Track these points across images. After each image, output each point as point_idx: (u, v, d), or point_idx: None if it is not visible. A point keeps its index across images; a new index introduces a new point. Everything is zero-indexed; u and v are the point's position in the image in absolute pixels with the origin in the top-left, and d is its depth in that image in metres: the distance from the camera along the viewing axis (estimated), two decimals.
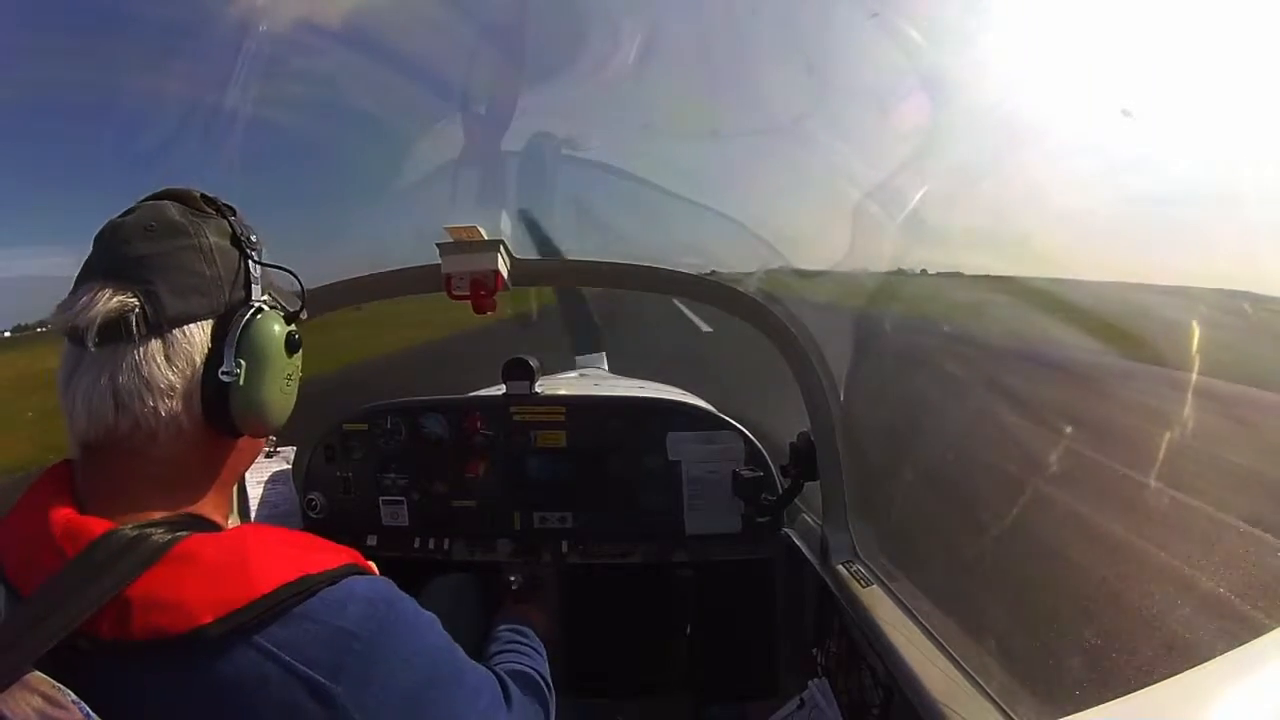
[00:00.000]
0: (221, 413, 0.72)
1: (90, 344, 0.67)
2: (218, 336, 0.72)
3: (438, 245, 1.39)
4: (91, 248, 0.72)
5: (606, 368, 3.68)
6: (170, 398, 0.69)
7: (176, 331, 0.69)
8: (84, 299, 0.68)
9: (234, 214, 0.77)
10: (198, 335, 0.71)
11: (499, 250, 1.39)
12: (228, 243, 0.75)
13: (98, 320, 0.66)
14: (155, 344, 0.68)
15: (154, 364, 0.68)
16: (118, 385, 0.67)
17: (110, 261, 0.69)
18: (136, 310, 0.67)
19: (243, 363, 0.72)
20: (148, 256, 0.69)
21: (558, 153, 1.66)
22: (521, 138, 1.63)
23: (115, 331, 0.67)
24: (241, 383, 0.72)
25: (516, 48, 1.77)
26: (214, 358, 0.71)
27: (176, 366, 0.69)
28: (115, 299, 0.67)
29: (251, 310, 0.74)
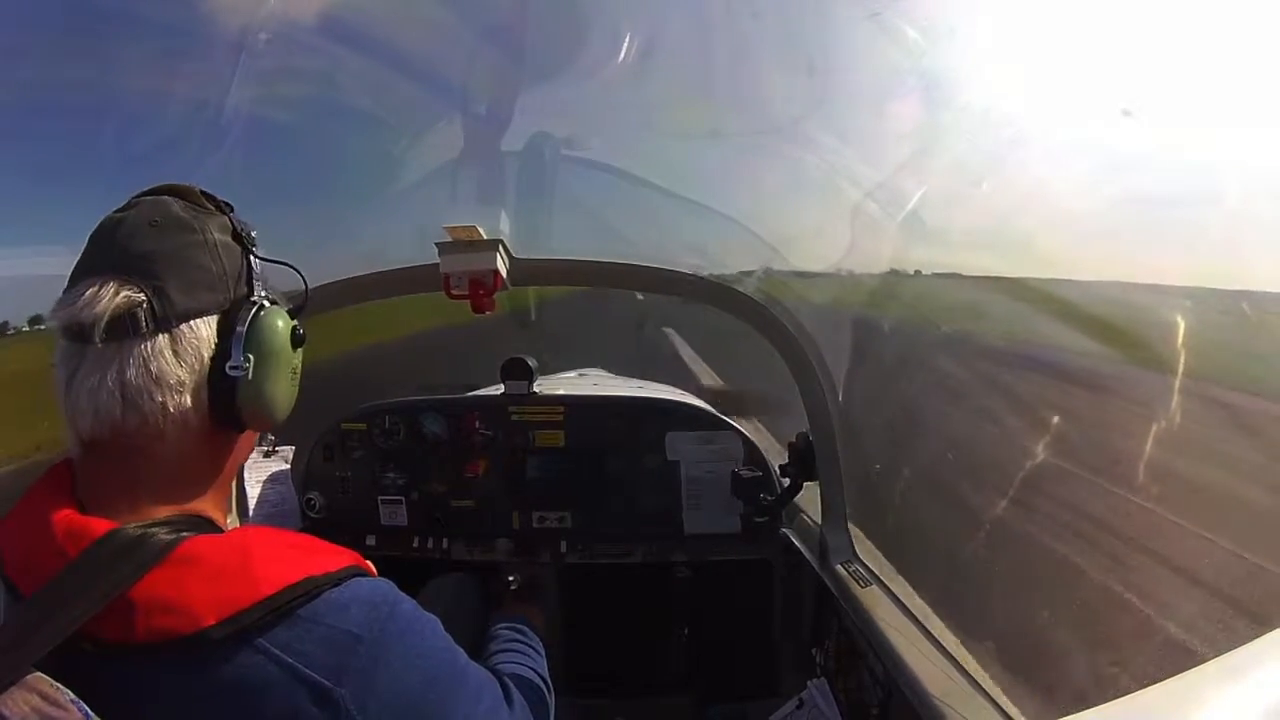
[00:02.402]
0: (228, 407, 0.72)
1: (97, 340, 0.65)
2: (223, 332, 0.72)
3: (436, 245, 1.39)
4: (89, 243, 0.71)
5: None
6: (179, 393, 0.69)
7: (184, 327, 0.69)
8: (87, 294, 0.66)
9: (231, 210, 0.78)
10: (204, 331, 0.70)
11: (498, 250, 1.39)
12: (229, 238, 0.75)
13: (105, 316, 0.65)
14: (163, 339, 0.68)
15: (163, 359, 0.68)
16: (125, 382, 0.66)
17: (115, 257, 0.68)
18: (144, 305, 0.67)
19: (251, 357, 0.72)
20: (154, 252, 0.69)
21: (557, 153, 1.66)
22: (521, 137, 1.63)
23: (122, 327, 0.66)
24: (250, 377, 0.72)
25: (516, 48, 1.77)
26: (221, 353, 0.71)
27: (185, 362, 0.69)
28: (122, 294, 0.66)
29: (256, 305, 0.74)
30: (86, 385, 0.66)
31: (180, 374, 0.69)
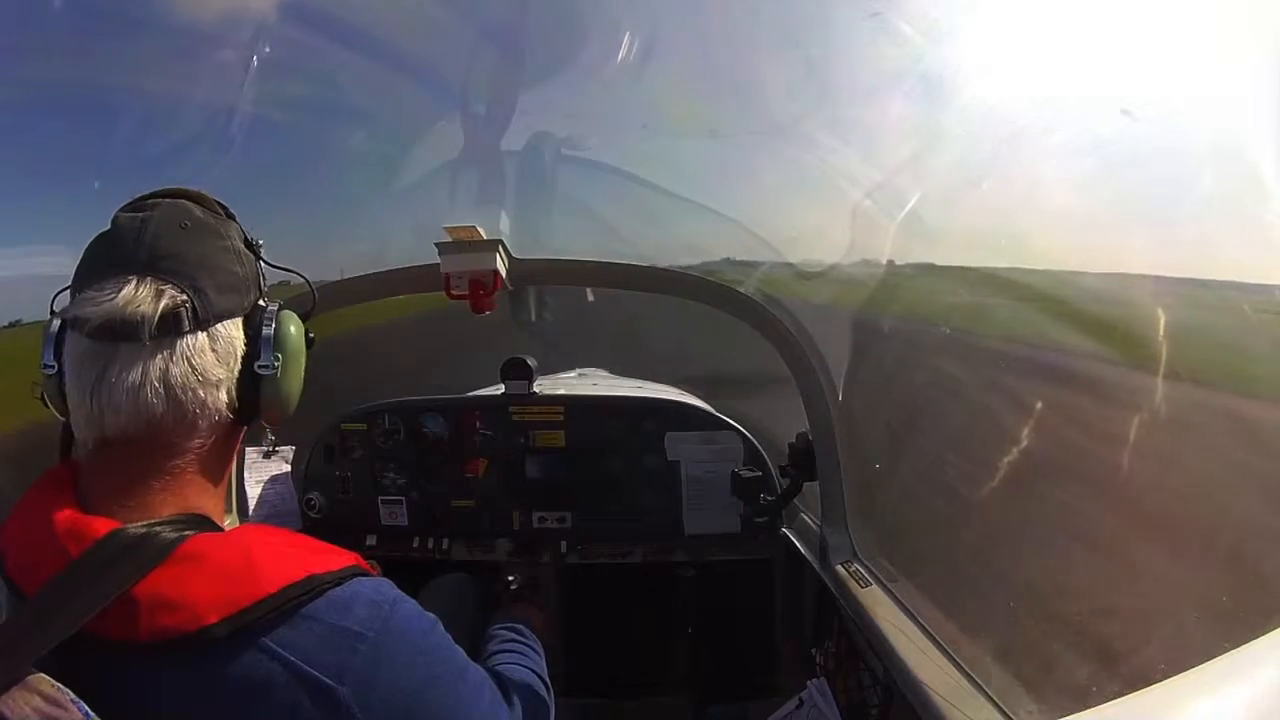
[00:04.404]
0: (250, 403, 0.75)
1: (145, 337, 0.67)
2: (248, 333, 0.75)
3: (436, 245, 1.39)
4: (105, 241, 0.72)
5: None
6: (217, 390, 0.72)
7: (219, 327, 0.72)
8: (124, 291, 0.67)
9: (234, 218, 0.80)
10: (234, 331, 0.74)
11: (498, 250, 1.40)
12: (243, 245, 0.78)
13: (156, 314, 0.67)
14: (204, 338, 0.71)
15: (205, 357, 0.70)
16: (170, 378, 0.68)
17: (145, 256, 0.69)
18: (187, 305, 0.69)
19: (279, 357, 0.76)
20: (189, 254, 0.71)
21: (557, 152, 1.66)
22: (521, 137, 1.63)
23: (169, 325, 0.68)
24: (277, 375, 0.76)
25: (516, 47, 1.77)
26: (251, 353, 0.75)
27: (223, 360, 0.72)
28: (167, 293, 0.68)
29: (277, 308, 0.78)
30: (126, 382, 0.67)
31: (220, 372, 0.72)
